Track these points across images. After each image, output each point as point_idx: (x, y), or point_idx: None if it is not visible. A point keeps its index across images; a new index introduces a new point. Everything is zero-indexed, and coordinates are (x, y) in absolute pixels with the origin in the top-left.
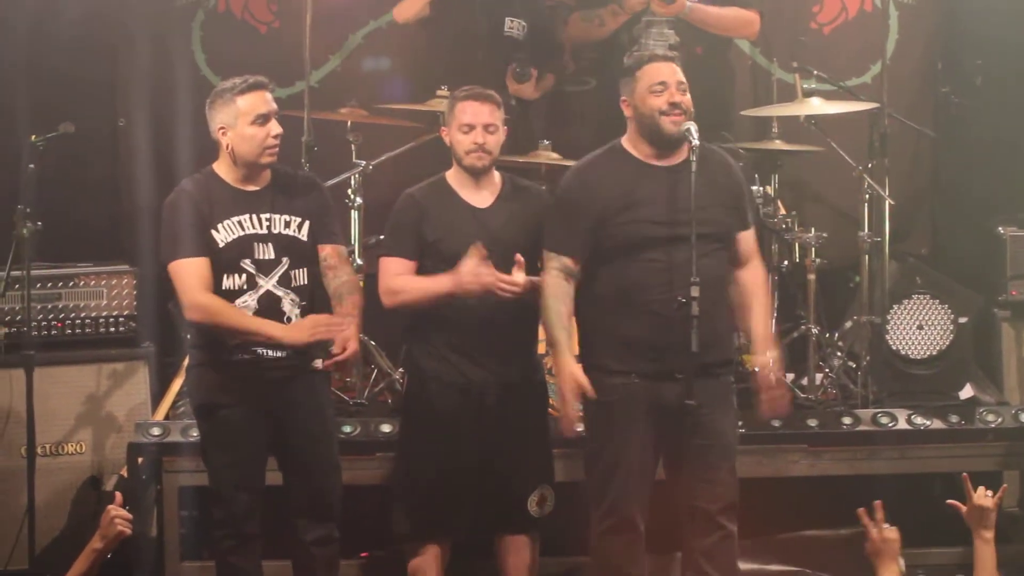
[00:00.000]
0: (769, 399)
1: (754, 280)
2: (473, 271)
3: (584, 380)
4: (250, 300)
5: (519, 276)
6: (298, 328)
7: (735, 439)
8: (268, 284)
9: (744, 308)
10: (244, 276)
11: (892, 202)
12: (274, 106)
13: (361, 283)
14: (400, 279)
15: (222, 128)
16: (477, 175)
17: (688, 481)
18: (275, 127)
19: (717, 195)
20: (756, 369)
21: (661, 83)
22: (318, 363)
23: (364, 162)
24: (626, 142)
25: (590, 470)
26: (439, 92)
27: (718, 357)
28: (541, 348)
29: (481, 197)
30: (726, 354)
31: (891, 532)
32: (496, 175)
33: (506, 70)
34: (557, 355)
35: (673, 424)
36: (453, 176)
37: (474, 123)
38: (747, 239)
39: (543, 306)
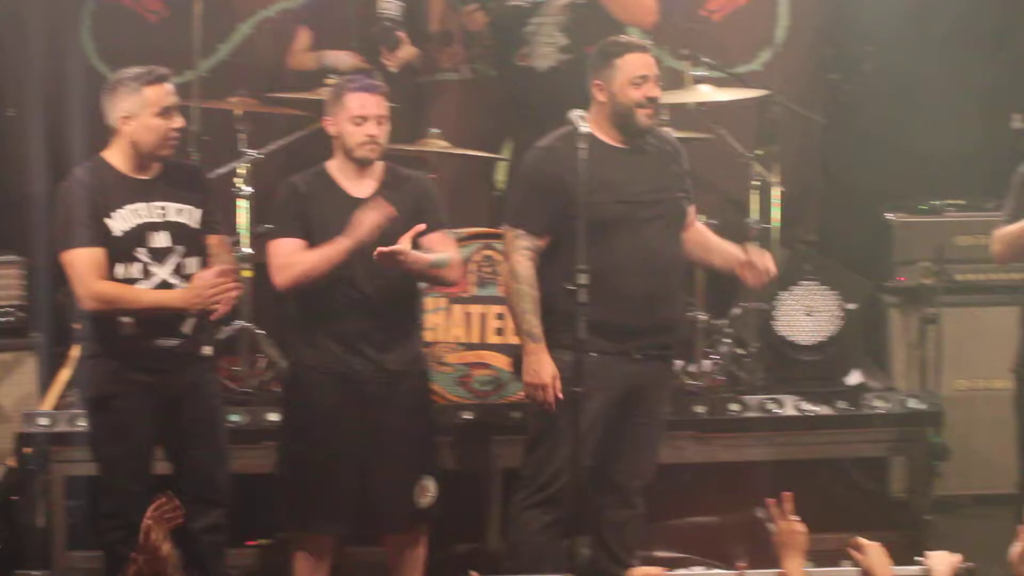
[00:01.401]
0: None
1: (703, 228)
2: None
3: (558, 383)
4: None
5: (405, 245)
6: (194, 290)
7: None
8: (163, 273)
9: (703, 246)
10: (139, 265)
11: (781, 189)
12: (177, 99)
13: (251, 272)
14: (292, 256)
15: (125, 117)
16: (366, 166)
17: (615, 456)
18: (178, 120)
19: (673, 176)
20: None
21: (642, 76)
22: (207, 350)
23: (253, 151)
24: (590, 124)
25: (538, 443)
26: (327, 81)
27: (672, 339)
28: (429, 336)
29: (362, 187)
30: (678, 337)
31: (798, 524)
32: (377, 164)
33: (379, 49)
34: (534, 351)
35: (620, 402)
36: (335, 166)
37: (367, 115)
38: (692, 210)
39: (515, 291)
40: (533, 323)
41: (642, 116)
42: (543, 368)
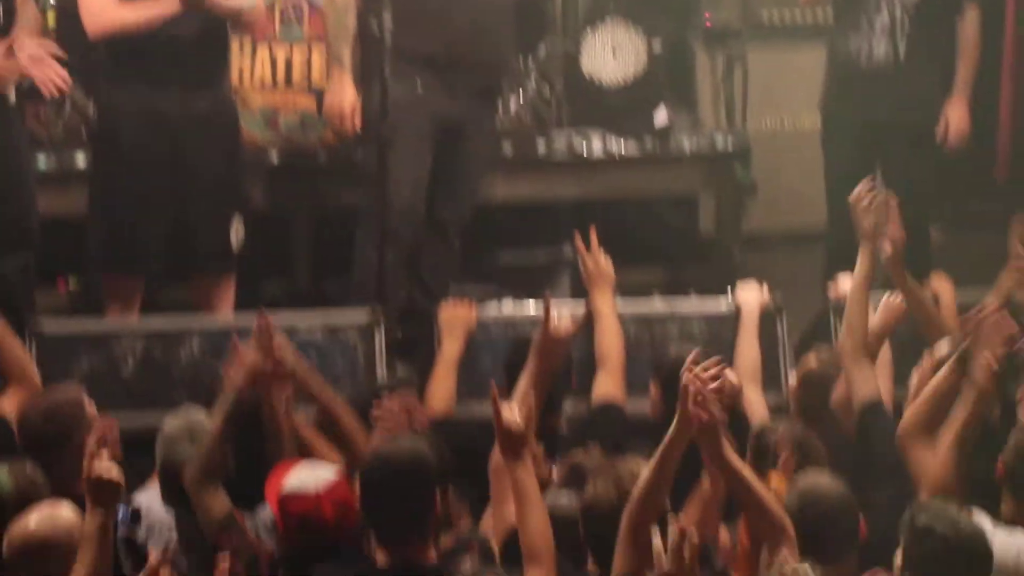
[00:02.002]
0: None
1: None
2: None
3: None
4: None
5: None
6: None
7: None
8: None
9: None
10: None
11: None
12: None
13: (52, 22)
14: (111, 6)
15: None
16: None
17: (435, 193)
18: None
19: None
20: None
21: None
22: (11, 96)
23: None
24: None
25: (375, 180)
26: None
27: (496, 77)
28: (236, 78)
29: None
30: (502, 75)
31: (605, 259)
32: None
33: None
34: (338, 78)
35: (443, 138)
36: None
37: None
38: None
39: (331, 17)
40: (342, 51)
41: None
42: (344, 95)
